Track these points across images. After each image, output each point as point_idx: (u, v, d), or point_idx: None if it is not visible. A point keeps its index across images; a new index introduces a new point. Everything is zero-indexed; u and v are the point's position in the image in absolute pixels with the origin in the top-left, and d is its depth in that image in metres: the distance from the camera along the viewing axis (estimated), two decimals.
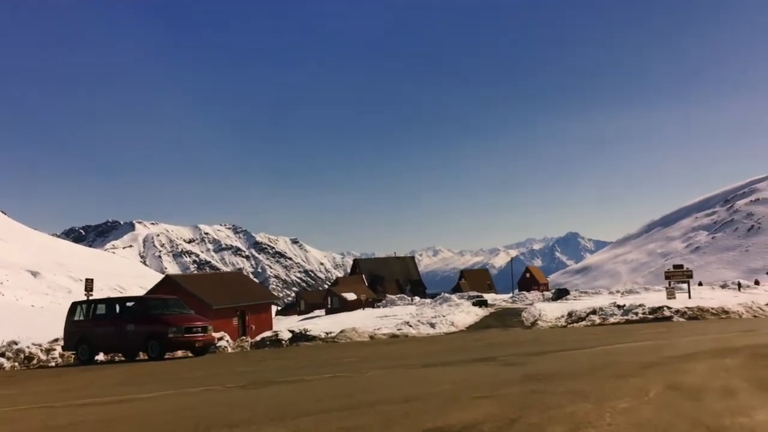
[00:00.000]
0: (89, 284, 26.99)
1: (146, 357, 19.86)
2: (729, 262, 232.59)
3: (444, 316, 41.18)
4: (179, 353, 21.47)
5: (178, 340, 18.83)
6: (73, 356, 21.50)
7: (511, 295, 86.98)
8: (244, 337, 28.80)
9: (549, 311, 40.50)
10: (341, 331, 29.57)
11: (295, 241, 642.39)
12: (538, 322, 36.52)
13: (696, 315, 31.76)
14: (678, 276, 49.10)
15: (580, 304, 48.29)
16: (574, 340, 18.41)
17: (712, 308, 33.09)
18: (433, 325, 36.97)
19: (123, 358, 21.61)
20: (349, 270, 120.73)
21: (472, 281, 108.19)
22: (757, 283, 64.02)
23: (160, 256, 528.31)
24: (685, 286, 51.87)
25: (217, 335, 27.37)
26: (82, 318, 20.77)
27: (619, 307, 34.99)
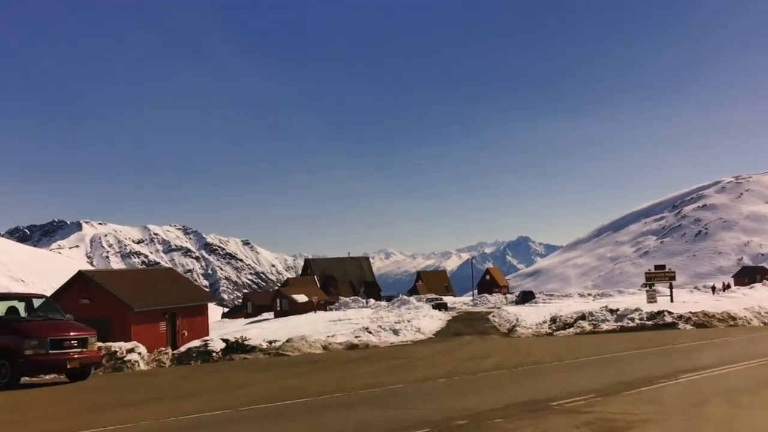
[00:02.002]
0: None
1: None
2: (677, 267, 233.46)
3: (408, 321, 35.97)
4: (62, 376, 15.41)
5: (39, 359, 12.66)
6: None
7: (471, 297, 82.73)
8: (163, 348, 22.84)
9: (526, 316, 35.82)
10: (288, 341, 23.89)
11: (246, 243, 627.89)
12: (517, 328, 31.73)
13: (702, 322, 27.47)
14: (660, 278, 45.39)
15: (554, 308, 43.93)
16: (609, 358, 13.45)
17: (718, 314, 28.86)
18: (396, 332, 31.72)
19: None
20: (301, 272, 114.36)
21: (429, 283, 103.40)
22: (728, 286, 61.42)
23: (107, 257, 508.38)
24: (660, 288, 48.23)
25: (127, 346, 21.33)
26: None
27: (611, 311, 30.46)
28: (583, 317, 30.34)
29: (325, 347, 24.18)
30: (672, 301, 42.52)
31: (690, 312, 28.67)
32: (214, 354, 22.13)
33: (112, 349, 20.79)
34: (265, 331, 41.68)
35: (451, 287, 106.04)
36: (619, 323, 28.81)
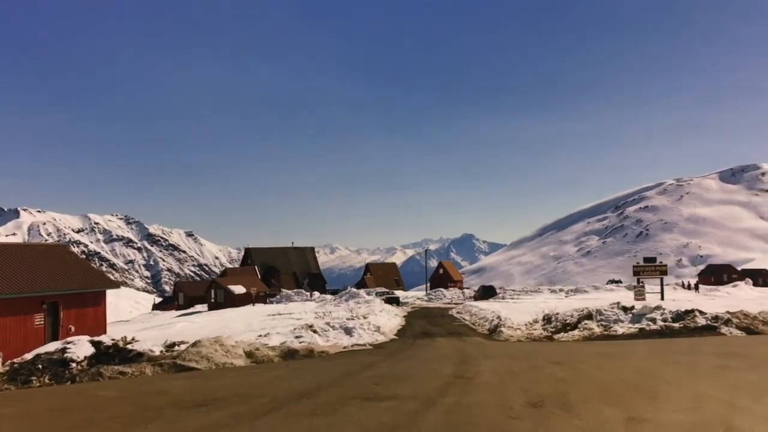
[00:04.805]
0: None
1: None
2: (618, 267, 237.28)
3: (364, 318, 28.82)
4: None
5: None
6: None
7: (425, 292, 76.37)
8: None
9: (508, 314, 29.12)
10: (194, 344, 16.23)
11: (189, 234, 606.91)
12: (502, 329, 24.98)
13: (746, 325, 21.28)
14: (649, 272, 39.67)
15: (529, 304, 37.69)
16: None
17: (760, 315, 22.79)
18: (349, 331, 24.54)
19: None
20: (241, 262, 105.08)
21: (379, 276, 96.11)
22: (697, 285, 56.95)
23: None
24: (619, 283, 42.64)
25: None
26: None
27: (624, 309, 24.03)
28: (589, 316, 23.79)
29: (249, 354, 16.67)
30: (662, 298, 36.99)
31: (728, 312, 22.50)
32: (75, 365, 14.34)
33: None
34: (192, 325, 34.61)
35: (402, 281, 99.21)
36: (636, 324, 22.44)
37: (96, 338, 16.10)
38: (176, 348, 17.08)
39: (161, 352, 15.84)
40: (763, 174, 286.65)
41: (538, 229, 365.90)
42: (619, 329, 22.23)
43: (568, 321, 24.22)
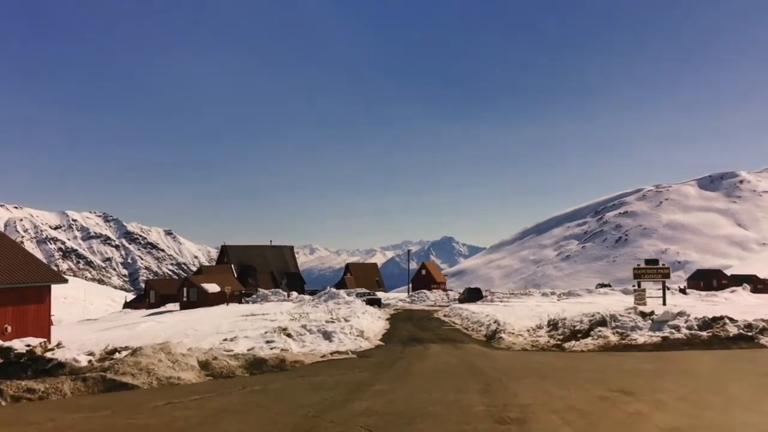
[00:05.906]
0: None
1: None
2: (597, 271, 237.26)
3: (346, 321, 25.70)
4: None
5: None
6: None
7: (408, 293, 73.48)
8: None
9: (506, 318, 26.22)
10: (134, 353, 12.94)
11: (168, 233, 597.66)
12: (501, 335, 22.08)
13: None
14: (651, 275, 37.06)
15: (523, 307, 34.93)
16: None
17: None
18: (328, 336, 21.45)
19: None
20: (216, 260, 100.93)
21: (359, 276, 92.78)
22: (684, 290, 54.76)
23: (22, 242, 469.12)
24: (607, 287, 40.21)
25: None
26: None
27: (643, 315, 21.22)
28: (602, 322, 20.91)
29: (205, 365, 13.41)
30: (664, 303, 34.41)
31: (762, 320, 19.76)
32: None
33: None
34: (157, 326, 31.89)
35: (383, 282, 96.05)
36: (658, 332, 19.64)
37: (5, 344, 12.76)
38: (117, 355, 13.81)
39: (90, 362, 12.54)
40: (741, 182, 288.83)
41: (517, 233, 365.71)
42: (639, 338, 19.41)
43: (577, 327, 21.33)
